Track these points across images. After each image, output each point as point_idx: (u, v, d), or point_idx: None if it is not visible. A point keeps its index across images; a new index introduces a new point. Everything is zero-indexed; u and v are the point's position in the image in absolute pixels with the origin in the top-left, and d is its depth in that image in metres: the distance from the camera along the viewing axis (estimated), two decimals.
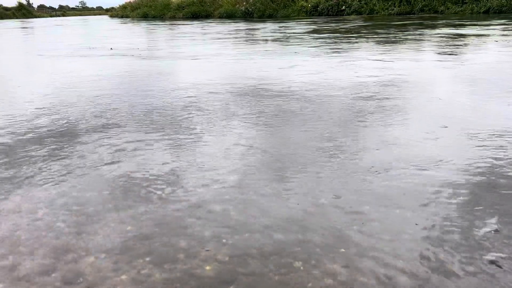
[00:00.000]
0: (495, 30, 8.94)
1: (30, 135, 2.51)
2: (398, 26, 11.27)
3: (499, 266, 1.19)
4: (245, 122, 2.66)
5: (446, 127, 2.46)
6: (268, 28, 13.03)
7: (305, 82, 3.95)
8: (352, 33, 9.70)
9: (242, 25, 15.10)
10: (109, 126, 2.65)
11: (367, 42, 7.76)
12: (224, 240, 1.35)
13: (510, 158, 1.96)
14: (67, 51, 7.89)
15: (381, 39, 8.19)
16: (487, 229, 1.38)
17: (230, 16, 23.11)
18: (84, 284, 1.16)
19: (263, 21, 17.52)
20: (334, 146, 2.18)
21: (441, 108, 2.89)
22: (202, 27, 15.25)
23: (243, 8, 22.71)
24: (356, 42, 7.67)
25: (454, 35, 8.17)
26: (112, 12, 39.29)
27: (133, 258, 1.27)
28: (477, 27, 9.81)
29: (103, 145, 2.28)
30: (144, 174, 1.87)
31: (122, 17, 32.35)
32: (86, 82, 4.36)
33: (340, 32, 10.11)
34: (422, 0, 17.97)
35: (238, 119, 2.73)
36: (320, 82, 3.93)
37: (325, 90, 3.55)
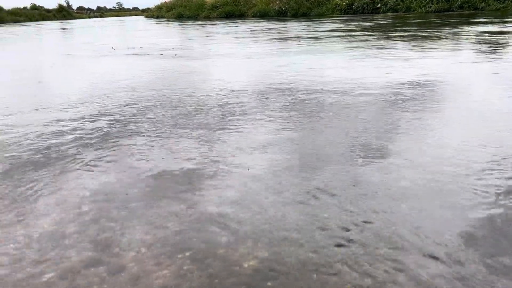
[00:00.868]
0: None
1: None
2: (436, 24, 10.99)
3: None
4: (281, 112, 2.67)
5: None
6: (302, 26, 12.97)
7: (338, 80, 3.92)
8: (388, 31, 9.53)
9: (276, 24, 15.09)
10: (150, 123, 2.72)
11: (403, 40, 7.61)
12: None
13: None
14: (106, 51, 8.10)
15: (417, 37, 8.02)
16: None
17: (263, 15, 23.16)
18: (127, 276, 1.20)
19: (297, 20, 17.46)
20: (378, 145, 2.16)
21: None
22: (236, 26, 15.34)
23: (276, 7, 22.70)
24: (392, 41, 7.53)
25: (495, 33, 7.90)
26: (148, 13, 40.09)
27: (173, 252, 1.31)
28: None
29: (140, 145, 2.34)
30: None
31: (157, 17, 32.94)
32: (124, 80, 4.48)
33: (375, 30, 9.95)
34: None
35: (270, 111, 2.75)
36: (353, 80, 3.89)
37: (359, 90, 3.51)
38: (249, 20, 19.92)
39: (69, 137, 2.50)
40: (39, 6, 46.88)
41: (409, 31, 9.32)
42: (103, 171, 1.95)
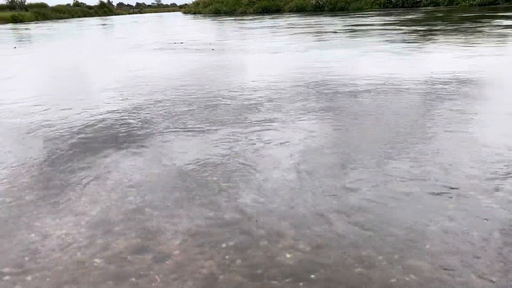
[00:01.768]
0: None
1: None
2: (480, 18, 10.60)
3: None
4: (322, 103, 2.65)
5: None
6: (339, 21, 12.80)
7: (377, 76, 3.85)
8: (429, 25, 9.27)
9: (312, 19, 14.96)
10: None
11: (445, 35, 7.38)
12: None
13: None
14: (150, 47, 8.26)
15: (460, 32, 7.76)
16: None
17: (300, 10, 22.99)
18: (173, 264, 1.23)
19: (335, 15, 17.24)
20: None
21: None
22: (273, 21, 15.30)
23: (313, 1, 22.49)
24: (434, 35, 7.32)
25: None
26: (185, 9, 40.53)
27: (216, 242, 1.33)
28: None
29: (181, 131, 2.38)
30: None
31: (194, 13, 33.28)
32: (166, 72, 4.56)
33: (416, 24, 9.70)
34: None
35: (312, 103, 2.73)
36: (391, 76, 3.81)
37: (397, 86, 3.44)
38: (286, 15, 19.83)
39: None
40: (81, 3, 48.37)
41: (453, 25, 9.03)
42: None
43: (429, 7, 18.10)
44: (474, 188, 1.60)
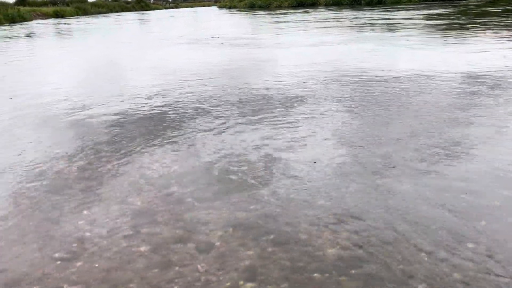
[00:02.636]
0: None
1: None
2: None
3: None
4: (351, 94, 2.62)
5: None
6: (377, 14, 12.57)
7: (414, 69, 3.77)
8: (472, 19, 8.98)
9: (349, 12, 14.74)
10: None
11: (488, 29, 7.13)
12: None
13: None
14: (188, 41, 8.37)
15: (506, 25, 7.47)
16: None
17: (336, 3, 22.66)
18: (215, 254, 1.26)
19: (372, 8, 16.93)
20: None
21: None
22: (308, 15, 15.18)
23: None
24: (477, 29, 7.08)
25: None
26: (221, 3, 40.73)
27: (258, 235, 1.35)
28: None
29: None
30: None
31: (230, 7, 33.40)
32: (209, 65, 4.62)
33: (457, 17, 9.41)
34: None
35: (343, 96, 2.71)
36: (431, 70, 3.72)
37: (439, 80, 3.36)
38: (321, 9, 19.62)
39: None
40: None
41: (503, 19, 8.71)
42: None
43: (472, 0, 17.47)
44: None
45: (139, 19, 23.07)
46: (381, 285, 1.10)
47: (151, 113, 2.83)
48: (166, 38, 9.07)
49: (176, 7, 58.85)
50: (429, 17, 10.39)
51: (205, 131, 2.39)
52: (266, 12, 20.50)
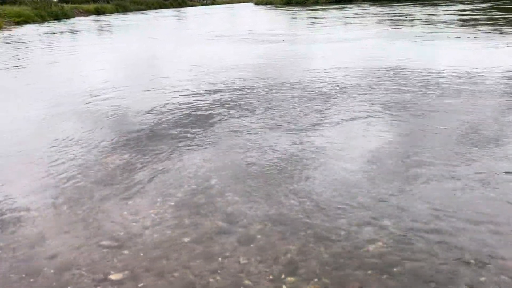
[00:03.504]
0: None
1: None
2: None
3: None
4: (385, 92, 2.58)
5: None
6: (417, 10, 12.26)
7: (452, 67, 3.66)
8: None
9: (388, 8, 14.45)
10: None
11: None
12: None
13: None
14: (229, 37, 8.45)
15: None
16: None
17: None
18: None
19: (412, 4, 16.52)
20: None
21: None
22: (346, 11, 14.98)
23: None
24: None
25: None
26: (257, 0, 40.74)
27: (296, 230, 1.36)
28: None
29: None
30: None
31: (266, 4, 33.34)
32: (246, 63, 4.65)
33: (502, 15, 9.05)
34: None
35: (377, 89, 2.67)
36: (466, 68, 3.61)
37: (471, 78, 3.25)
38: (360, 5, 19.32)
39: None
40: None
41: None
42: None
43: None
44: None
45: (177, 16, 23.41)
46: (425, 285, 1.09)
47: (195, 110, 2.88)
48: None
49: (213, 4, 59.30)
50: (477, 11, 10.04)
51: (248, 128, 2.41)
52: (304, 8, 20.36)
